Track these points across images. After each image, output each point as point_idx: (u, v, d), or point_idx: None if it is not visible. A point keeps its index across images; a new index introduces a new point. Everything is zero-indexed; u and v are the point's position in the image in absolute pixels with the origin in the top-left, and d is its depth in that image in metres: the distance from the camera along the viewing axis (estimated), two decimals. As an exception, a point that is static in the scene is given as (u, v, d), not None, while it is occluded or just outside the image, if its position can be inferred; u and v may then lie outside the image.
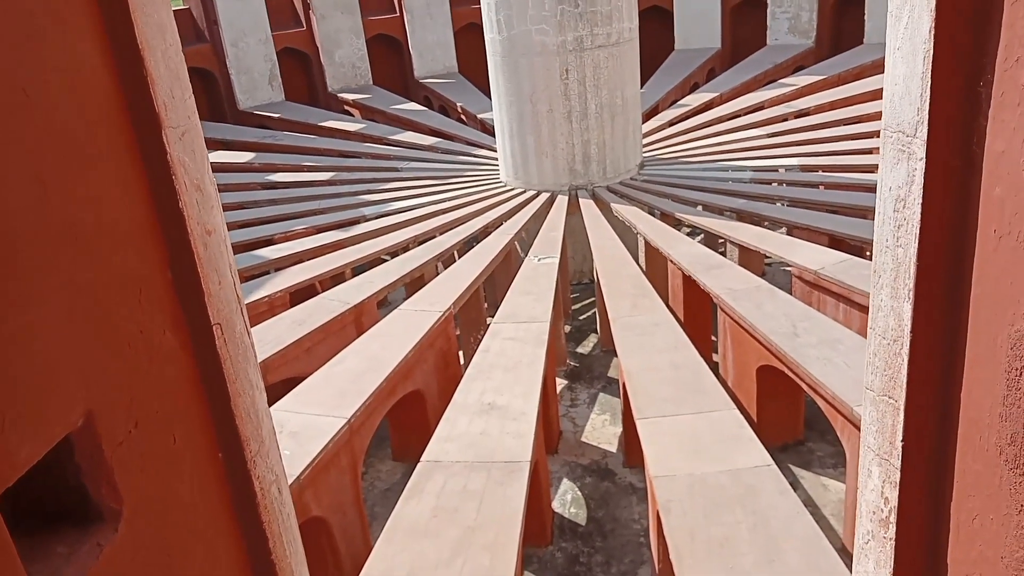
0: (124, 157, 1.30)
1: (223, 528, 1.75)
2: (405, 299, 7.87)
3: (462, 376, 6.31)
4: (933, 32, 1.22)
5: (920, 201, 1.38)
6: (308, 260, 8.76)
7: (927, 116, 1.29)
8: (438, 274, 8.42)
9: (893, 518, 1.63)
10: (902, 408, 1.55)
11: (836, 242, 8.44)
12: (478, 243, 9.03)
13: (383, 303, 8.45)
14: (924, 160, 1.34)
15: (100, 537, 1.53)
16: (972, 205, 1.31)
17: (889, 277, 1.54)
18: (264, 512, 1.81)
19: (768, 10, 16.39)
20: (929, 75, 1.25)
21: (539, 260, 8.31)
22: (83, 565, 1.47)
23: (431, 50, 17.22)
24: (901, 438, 1.58)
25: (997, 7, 1.14)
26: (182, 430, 1.55)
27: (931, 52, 1.24)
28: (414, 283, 8.72)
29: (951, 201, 1.35)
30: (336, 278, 8.57)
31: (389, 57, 17.44)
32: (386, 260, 8.97)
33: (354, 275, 8.50)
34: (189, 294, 1.42)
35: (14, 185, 1.04)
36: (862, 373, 1.81)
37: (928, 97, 1.27)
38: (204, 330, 1.51)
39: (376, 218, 10.06)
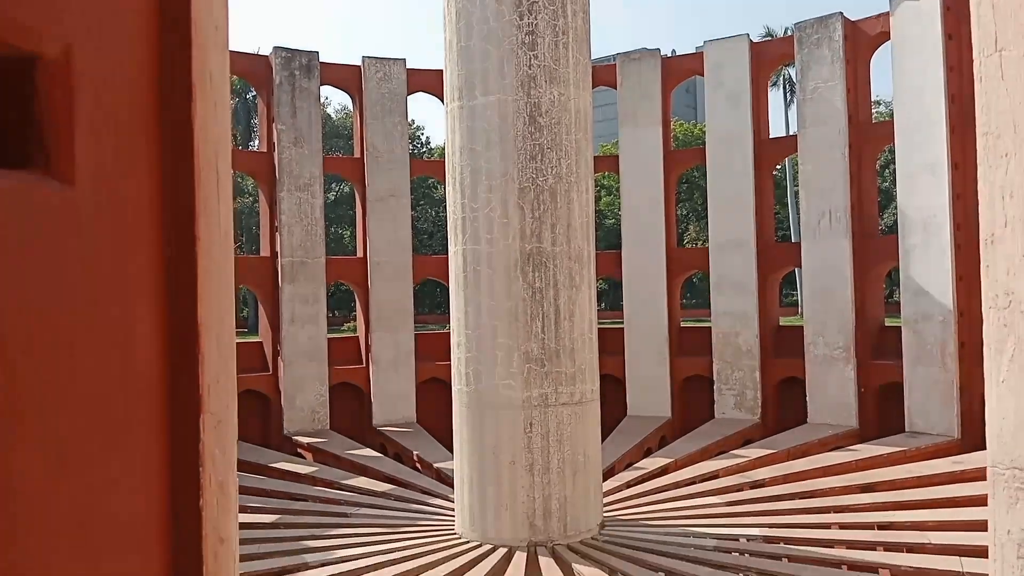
0: (154, 439, 1.12)
1: None
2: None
3: None
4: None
5: (1041, 549, 1.24)
6: (238, 611, 7.84)
7: (1043, 452, 1.21)
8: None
9: None
10: None
11: (812, 622, 7.92)
12: (429, 602, 8.27)
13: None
14: (1042, 502, 1.22)
15: None
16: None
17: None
18: None
19: (715, 386, 17.35)
20: (1043, 408, 1.19)
21: (496, 625, 7.55)
22: None
23: (392, 400, 17.50)
24: None
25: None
26: None
27: (1042, 384, 1.19)
28: (353, 646, 7.78)
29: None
30: (266, 635, 7.61)
31: (349, 403, 17.62)
32: (325, 617, 8.10)
33: (288, 632, 7.57)
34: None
35: (35, 455, 0.85)
36: None
37: (1044, 431, 1.20)
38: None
39: (319, 566, 9.28)
